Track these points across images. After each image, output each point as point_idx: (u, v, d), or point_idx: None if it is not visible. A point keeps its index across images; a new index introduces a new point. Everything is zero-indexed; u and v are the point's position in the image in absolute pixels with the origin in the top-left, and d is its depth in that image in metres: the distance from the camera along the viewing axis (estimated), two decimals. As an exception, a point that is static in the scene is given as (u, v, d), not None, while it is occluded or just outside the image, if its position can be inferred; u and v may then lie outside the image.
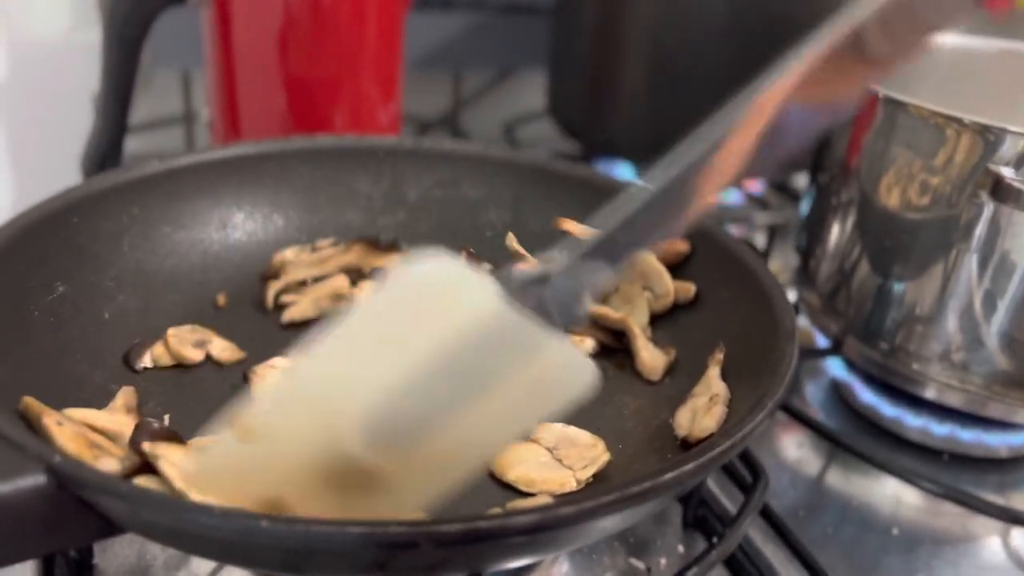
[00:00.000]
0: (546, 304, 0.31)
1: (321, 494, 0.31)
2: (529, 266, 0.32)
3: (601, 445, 0.42)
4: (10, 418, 0.32)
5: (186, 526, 0.28)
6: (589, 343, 0.48)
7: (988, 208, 0.45)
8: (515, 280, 0.31)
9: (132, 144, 0.86)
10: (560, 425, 0.43)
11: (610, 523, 0.32)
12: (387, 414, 0.30)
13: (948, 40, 0.60)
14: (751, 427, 0.34)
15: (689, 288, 0.50)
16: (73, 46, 0.83)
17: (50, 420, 0.35)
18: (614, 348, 0.49)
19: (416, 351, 0.29)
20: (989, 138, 0.44)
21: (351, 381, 0.30)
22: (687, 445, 0.40)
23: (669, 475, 0.31)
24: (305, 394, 0.31)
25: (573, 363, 0.31)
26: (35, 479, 0.29)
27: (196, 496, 0.31)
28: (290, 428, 0.31)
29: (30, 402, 0.36)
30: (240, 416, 0.31)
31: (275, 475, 0.31)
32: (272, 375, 0.40)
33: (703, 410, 0.41)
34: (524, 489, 0.40)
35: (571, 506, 0.29)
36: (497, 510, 0.35)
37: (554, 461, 0.41)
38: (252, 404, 0.31)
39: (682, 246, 0.51)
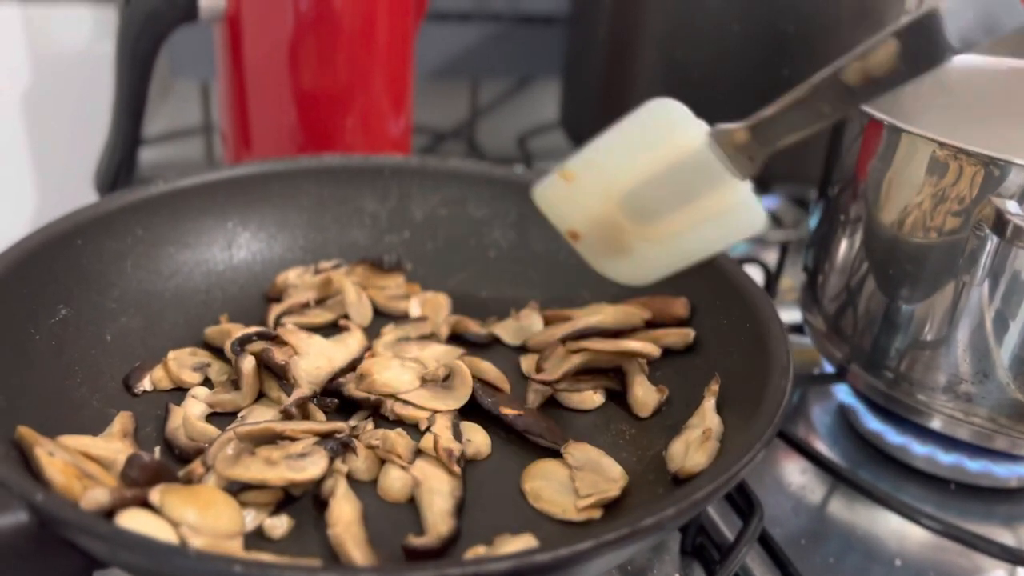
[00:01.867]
0: (731, 153, 0.42)
1: (596, 239, 0.47)
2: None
3: (621, 482, 0.41)
4: (-3, 454, 0.32)
5: (163, 568, 0.28)
6: (598, 397, 0.49)
7: (992, 240, 0.44)
8: (715, 129, 0.43)
9: (151, 155, 0.87)
10: (597, 452, 0.44)
11: (591, 568, 0.32)
12: (635, 193, 0.45)
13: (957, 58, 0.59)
14: (739, 467, 0.34)
15: (688, 334, 0.50)
16: (95, 57, 0.84)
17: (42, 451, 0.36)
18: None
19: (653, 158, 0.44)
20: (994, 171, 0.44)
21: (618, 165, 0.45)
22: (678, 479, 0.40)
23: (648, 520, 0.31)
24: (595, 162, 0.46)
25: (749, 203, 0.43)
26: (16, 517, 0.30)
27: None
28: (588, 181, 0.46)
29: (24, 432, 0.37)
30: (565, 165, 0.47)
31: (576, 211, 0.47)
32: None
33: (695, 445, 0.40)
34: (531, 503, 0.41)
35: (546, 553, 0.29)
36: (479, 551, 0.35)
37: (568, 484, 0.42)
38: (571, 160, 0.47)
39: (681, 310, 0.51)
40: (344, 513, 0.37)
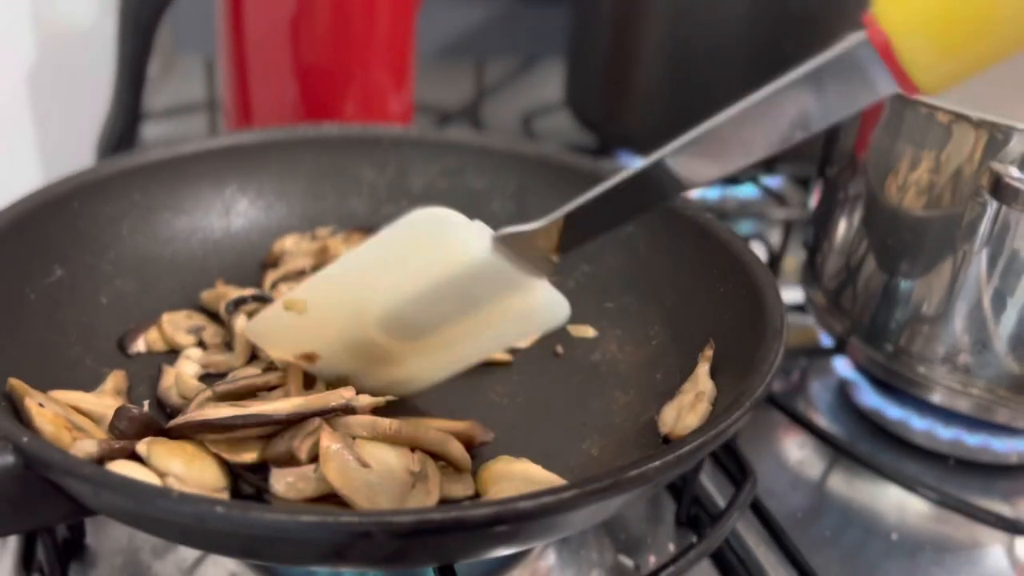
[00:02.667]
0: (526, 255, 0.38)
1: (346, 359, 0.41)
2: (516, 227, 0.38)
3: None
4: (-15, 399, 0.32)
5: (146, 509, 0.28)
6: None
7: (991, 207, 0.43)
8: (501, 234, 0.38)
9: (154, 130, 0.87)
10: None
11: (575, 518, 0.32)
12: (397, 313, 0.39)
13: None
14: (726, 424, 0.34)
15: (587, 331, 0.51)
16: (100, 32, 0.84)
17: (32, 401, 0.36)
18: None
19: (421, 273, 0.38)
20: (997, 136, 0.43)
21: (373, 284, 0.39)
22: (668, 441, 0.40)
23: (632, 472, 0.31)
24: (338, 285, 0.40)
25: (550, 301, 0.39)
26: (2, 459, 0.30)
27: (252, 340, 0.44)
28: (325, 307, 0.41)
29: (15, 384, 0.37)
30: (290, 293, 0.41)
31: (311, 338, 0.41)
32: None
33: (688, 407, 0.40)
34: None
35: (529, 500, 0.29)
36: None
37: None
38: (298, 286, 0.41)
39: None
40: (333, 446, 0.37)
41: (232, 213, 0.55)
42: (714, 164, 0.33)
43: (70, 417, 0.37)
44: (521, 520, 0.29)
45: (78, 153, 0.80)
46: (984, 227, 0.44)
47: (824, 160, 0.57)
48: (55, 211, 0.47)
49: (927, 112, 0.47)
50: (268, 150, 0.57)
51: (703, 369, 0.43)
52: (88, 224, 0.48)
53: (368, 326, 0.40)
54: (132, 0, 0.62)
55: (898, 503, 0.51)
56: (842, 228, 0.55)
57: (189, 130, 0.89)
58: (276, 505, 0.30)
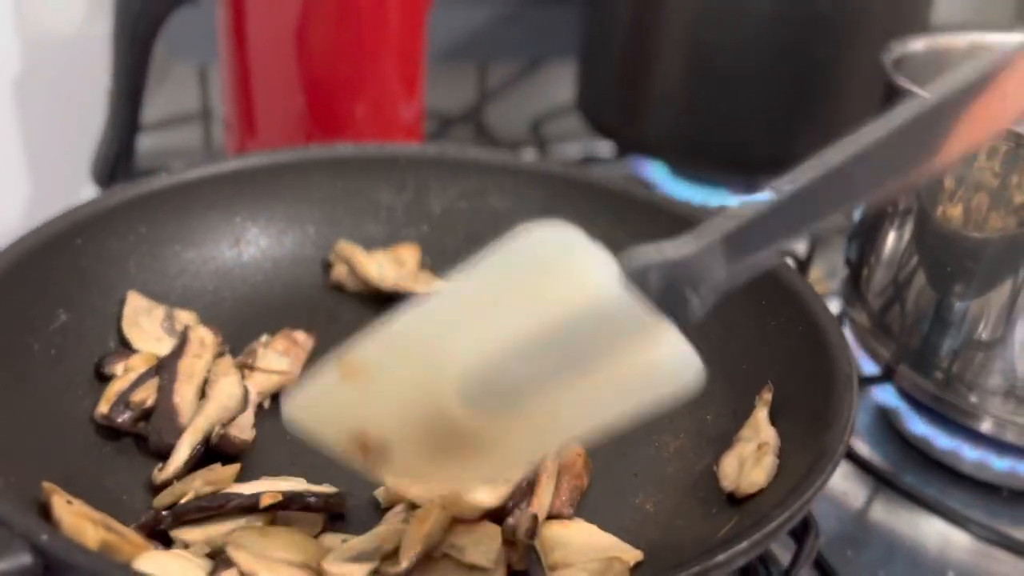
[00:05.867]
0: (664, 292, 0.29)
1: (417, 446, 0.30)
2: (653, 250, 0.29)
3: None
4: (-1, 488, 0.29)
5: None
6: None
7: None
8: (637, 263, 0.29)
9: (148, 142, 0.83)
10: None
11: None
12: (486, 376, 0.29)
13: (1013, 38, 0.56)
14: (811, 493, 0.31)
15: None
16: (88, 38, 0.80)
17: (60, 499, 0.32)
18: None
19: (523, 319, 0.29)
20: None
21: (455, 338, 0.29)
22: (733, 499, 0.37)
23: (720, 556, 0.28)
24: (409, 343, 0.30)
25: (679, 358, 0.29)
26: (20, 560, 0.27)
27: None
28: (391, 374, 0.30)
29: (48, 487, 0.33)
30: (346, 355, 0.30)
31: (373, 417, 0.30)
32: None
33: (751, 460, 0.37)
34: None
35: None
36: None
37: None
38: (358, 346, 0.30)
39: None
40: None
41: (242, 242, 0.52)
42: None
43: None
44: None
45: (68, 164, 0.76)
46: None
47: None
48: (56, 250, 0.44)
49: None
50: (278, 173, 0.53)
51: (762, 414, 0.40)
52: (92, 262, 0.45)
53: (444, 394, 0.29)
54: (130, 10, 0.59)
55: (946, 536, 0.48)
56: (889, 246, 0.52)
57: (183, 142, 0.86)
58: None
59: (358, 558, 0.33)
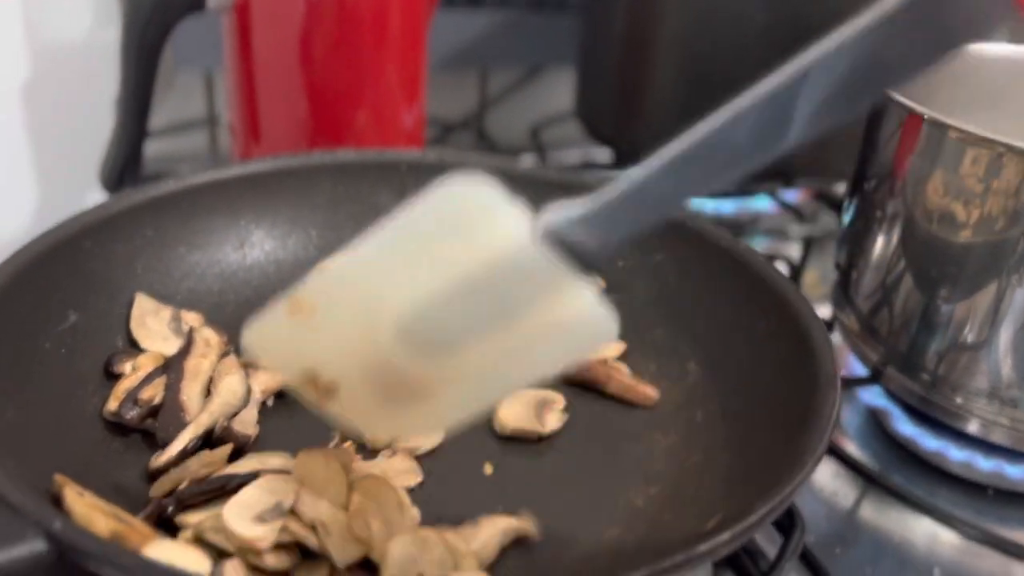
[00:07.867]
0: (575, 246, 0.30)
1: (362, 389, 0.33)
2: (563, 206, 0.31)
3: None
4: (12, 478, 0.30)
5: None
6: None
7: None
8: (547, 218, 0.30)
9: (154, 148, 0.84)
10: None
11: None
12: (418, 321, 0.31)
13: (1000, 49, 0.57)
14: (792, 486, 0.32)
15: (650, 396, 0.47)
16: (96, 45, 0.81)
17: (71, 491, 0.33)
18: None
19: (447, 268, 0.30)
20: (1048, 167, 0.42)
21: (388, 284, 0.31)
22: (721, 494, 0.38)
23: (700, 547, 0.29)
24: (347, 286, 0.32)
25: (594, 312, 0.31)
26: (34, 546, 0.28)
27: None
28: (334, 315, 0.32)
29: (60, 480, 0.34)
30: (294, 293, 0.33)
31: (320, 354, 0.33)
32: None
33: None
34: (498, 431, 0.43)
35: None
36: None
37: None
38: (304, 285, 0.33)
39: (651, 392, 0.47)
40: None
41: (247, 245, 0.53)
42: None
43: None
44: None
45: (76, 169, 0.78)
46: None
47: (858, 177, 0.56)
48: (66, 253, 0.45)
49: (966, 140, 0.45)
50: (282, 178, 0.55)
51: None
52: (101, 265, 0.46)
53: (385, 338, 0.31)
54: (138, 19, 0.60)
55: (935, 534, 0.50)
56: (877, 250, 0.53)
57: (189, 148, 0.87)
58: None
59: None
